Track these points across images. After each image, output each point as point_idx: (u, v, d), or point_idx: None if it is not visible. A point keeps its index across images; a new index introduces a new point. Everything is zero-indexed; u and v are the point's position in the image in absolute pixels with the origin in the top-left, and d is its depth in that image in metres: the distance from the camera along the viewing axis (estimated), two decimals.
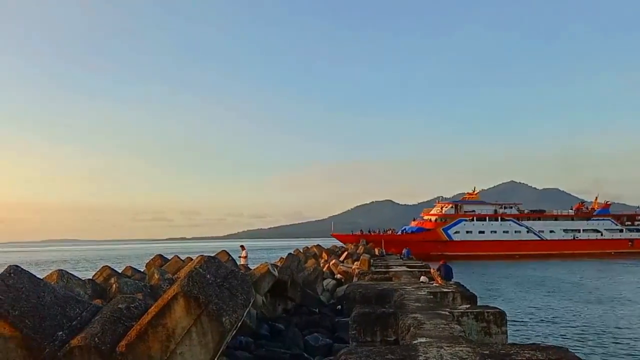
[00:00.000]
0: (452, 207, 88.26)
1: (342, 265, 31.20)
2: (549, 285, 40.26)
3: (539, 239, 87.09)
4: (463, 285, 12.89)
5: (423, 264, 27.39)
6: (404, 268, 23.86)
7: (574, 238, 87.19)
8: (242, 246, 27.40)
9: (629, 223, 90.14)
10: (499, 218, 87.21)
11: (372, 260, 30.44)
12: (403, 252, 41.05)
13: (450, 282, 15.51)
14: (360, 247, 51.22)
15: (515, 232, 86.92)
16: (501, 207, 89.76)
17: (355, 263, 29.61)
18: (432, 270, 18.26)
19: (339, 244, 77.32)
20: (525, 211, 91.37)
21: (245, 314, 7.60)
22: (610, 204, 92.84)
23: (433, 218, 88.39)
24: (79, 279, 12.61)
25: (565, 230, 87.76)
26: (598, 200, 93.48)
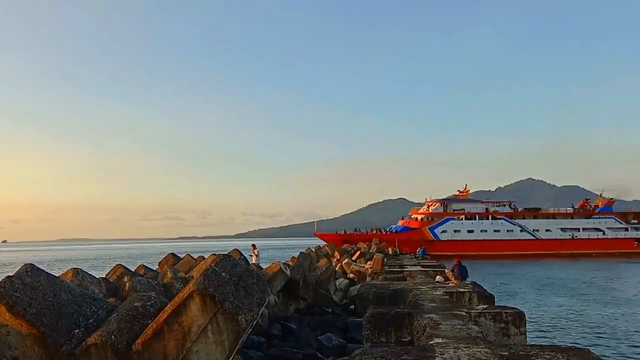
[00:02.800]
0: (440, 205, 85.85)
1: (355, 265, 31.08)
2: (563, 285, 39.75)
3: (533, 238, 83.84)
4: (480, 285, 12.75)
5: (438, 263, 27.19)
6: (419, 268, 23.67)
7: (572, 237, 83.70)
8: (253, 245, 27.47)
9: (635, 221, 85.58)
10: (490, 217, 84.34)
11: (385, 260, 30.30)
12: (418, 251, 40.79)
13: (466, 282, 15.37)
14: (373, 246, 51.07)
15: (508, 231, 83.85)
16: (493, 205, 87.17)
17: (368, 262, 29.48)
18: (446, 270, 18.11)
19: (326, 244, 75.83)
20: (520, 209, 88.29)
21: (260, 312, 7.57)
22: (614, 201, 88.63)
23: (419, 217, 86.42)
24: (94, 277, 12.60)
25: (564, 229, 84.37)
26: (603, 196, 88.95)
